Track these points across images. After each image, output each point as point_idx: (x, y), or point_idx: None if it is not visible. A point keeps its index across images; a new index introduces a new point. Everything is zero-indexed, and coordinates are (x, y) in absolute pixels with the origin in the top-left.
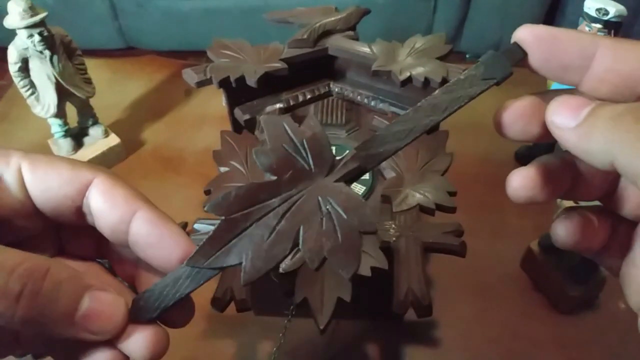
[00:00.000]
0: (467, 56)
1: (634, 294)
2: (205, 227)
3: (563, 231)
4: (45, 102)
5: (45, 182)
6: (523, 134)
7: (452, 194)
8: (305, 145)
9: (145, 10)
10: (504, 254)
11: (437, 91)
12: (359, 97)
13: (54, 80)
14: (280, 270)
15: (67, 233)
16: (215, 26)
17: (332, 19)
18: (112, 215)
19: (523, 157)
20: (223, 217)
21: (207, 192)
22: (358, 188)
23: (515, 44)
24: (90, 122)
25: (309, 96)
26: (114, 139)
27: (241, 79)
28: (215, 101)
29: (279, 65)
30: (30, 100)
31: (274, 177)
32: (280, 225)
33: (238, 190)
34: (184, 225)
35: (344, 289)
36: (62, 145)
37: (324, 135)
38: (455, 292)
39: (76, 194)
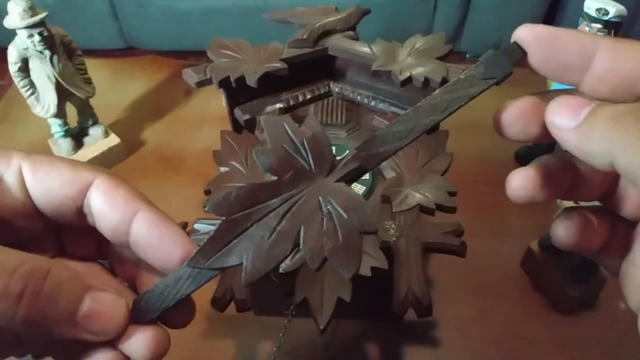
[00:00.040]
0: (467, 56)
1: (633, 294)
2: (205, 227)
3: (563, 231)
4: (45, 102)
5: (46, 183)
6: (523, 134)
7: (452, 194)
8: (306, 145)
9: (145, 10)
10: (504, 253)
11: (437, 91)
12: (359, 97)
13: (54, 80)
14: (281, 270)
15: (68, 234)
16: (215, 26)
17: (332, 19)
18: (112, 215)
19: (523, 157)
20: (223, 218)
21: (207, 192)
22: (358, 188)
23: (515, 43)
24: (90, 122)
25: (309, 96)
26: (114, 139)
27: (241, 79)
28: (215, 101)
29: (279, 65)
30: (30, 100)
31: (275, 177)
32: (281, 226)
33: (238, 191)
34: (184, 226)
35: (344, 289)
36: (62, 145)
37: (324, 135)
38: (455, 292)
39: (77, 194)
